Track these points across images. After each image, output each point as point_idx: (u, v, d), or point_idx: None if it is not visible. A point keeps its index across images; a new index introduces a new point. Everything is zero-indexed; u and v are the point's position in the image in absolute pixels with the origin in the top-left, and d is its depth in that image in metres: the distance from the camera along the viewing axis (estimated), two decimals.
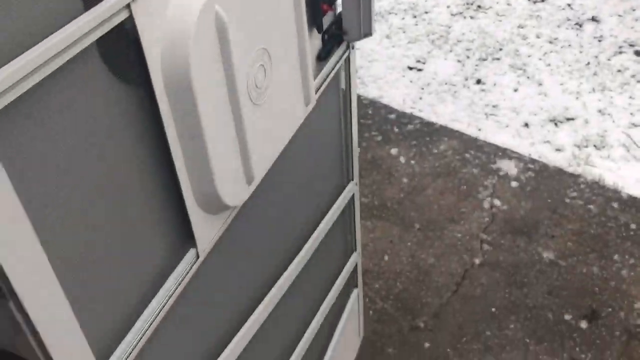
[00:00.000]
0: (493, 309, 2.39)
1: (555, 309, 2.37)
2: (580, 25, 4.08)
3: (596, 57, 3.77)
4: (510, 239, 2.65)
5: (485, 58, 3.87)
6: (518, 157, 3.08)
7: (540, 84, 3.62)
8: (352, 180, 1.73)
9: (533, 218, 2.74)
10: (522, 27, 4.13)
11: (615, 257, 2.54)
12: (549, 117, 3.36)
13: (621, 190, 2.85)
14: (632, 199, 2.79)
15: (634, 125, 3.26)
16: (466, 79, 3.71)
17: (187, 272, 1.00)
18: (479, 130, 3.28)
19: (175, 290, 0.98)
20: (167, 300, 0.96)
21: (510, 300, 2.42)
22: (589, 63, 3.73)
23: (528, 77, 3.69)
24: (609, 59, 3.74)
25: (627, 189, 2.86)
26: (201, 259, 1.03)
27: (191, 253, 1.01)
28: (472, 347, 2.27)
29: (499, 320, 2.35)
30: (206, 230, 1.02)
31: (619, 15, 4.12)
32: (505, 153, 3.10)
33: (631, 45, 3.83)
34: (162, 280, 0.97)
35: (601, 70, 3.67)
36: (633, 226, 2.66)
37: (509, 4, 4.37)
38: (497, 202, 2.83)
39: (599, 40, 3.92)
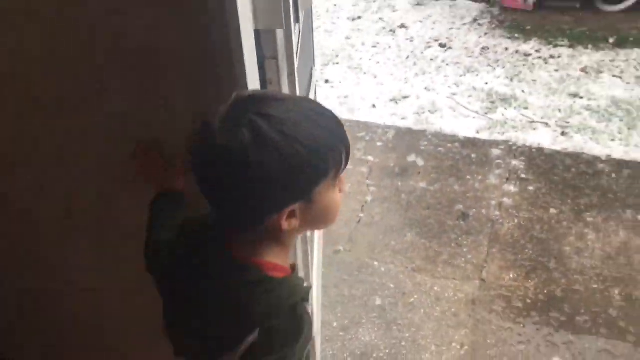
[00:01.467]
0: (391, 227, 2.95)
1: (436, 218, 3.00)
2: (394, 32, 5.02)
3: (412, 52, 4.68)
4: (388, 180, 3.27)
5: (327, 64, 4.58)
6: (376, 127, 3.75)
7: (375, 77, 4.41)
8: None
9: (400, 164, 3.40)
10: (349, 38, 4.96)
11: (467, 177, 3.27)
12: (389, 98, 4.12)
13: (457, 135, 3.65)
14: (467, 139, 3.60)
15: (453, 94, 4.15)
16: (317, 81, 4.37)
17: None
18: (339, 113, 3.92)
19: None
20: None
21: (402, 219, 3.00)
22: (408, 57, 4.63)
23: (365, 73, 4.46)
24: (422, 52, 4.67)
25: (462, 133, 3.67)
26: None
27: None
28: (383, 254, 2.80)
29: (398, 233, 2.92)
30: None
31: (420, 21, 5.14)
32: (366, 125, 3.76)
33: (435, 41, 4.82)
34: None
35: (419, 60, 4.57)
36: (473, 156, 3.44)
37: (333, 23, 5.20)
38: (370, 158, 3.45)
39: (411, 41, 4.86)
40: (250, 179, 0.82)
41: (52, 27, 1.02)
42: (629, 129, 3.67)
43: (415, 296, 2.59)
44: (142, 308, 1.24)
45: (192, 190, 0.93)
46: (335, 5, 5.56)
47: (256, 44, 0.95)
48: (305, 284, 0.96)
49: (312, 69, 2.15)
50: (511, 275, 2.67)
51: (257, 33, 0.96)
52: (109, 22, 0.98)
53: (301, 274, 1.57)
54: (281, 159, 0.81)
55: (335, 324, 2.48)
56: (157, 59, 1.00)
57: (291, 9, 0.93)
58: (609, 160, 3.37)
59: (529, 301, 2.54)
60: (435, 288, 2.63)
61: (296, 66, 1.06)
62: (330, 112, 0.89)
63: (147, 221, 1.13)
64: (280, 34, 0.99)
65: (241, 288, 0.91)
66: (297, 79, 1.13)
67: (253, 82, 0.97)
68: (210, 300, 0.94)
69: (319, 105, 0.90)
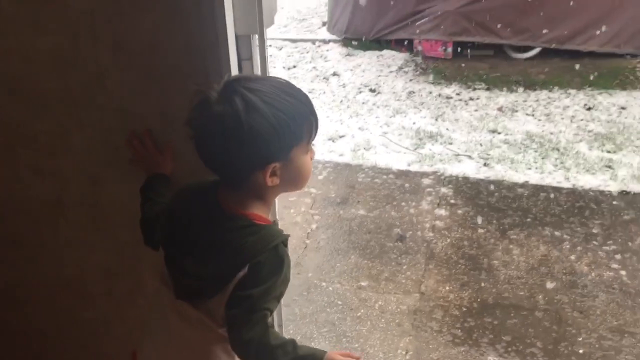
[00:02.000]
0: (336, 250, 3.16)
1: (377, 241, 3.23)
2: (327, 79, 5.37)
3: (345, 96, 5.02)
4: (330, 209, 3.49)
5: None
6: (317, 162, 4.00)
7: None
8: None
9: (341, 195, 3.65)
10: None
11: (402, 203, 3.55)
12: (327, 137, 4.40)
13: (391, 167, 3.95)
14: (400, 171, 3.90)
15: (385, 132, 4.48)
16: None
17: None
18: None
19: None
20: None
21: (346, 243, 3.22)
22: (342, 101, 4.96)
23: None
24: (354, 97, 5.02)
25: (395, 166, 3.97)
26: None
27: None
28: (330, 275, 2.99)
29: (342, 255, 3.12)
30: None
31: (351, 70, 5.53)
32: None
33: (366, 86, 5.20)
34: None
35: (352, 104, 4.91)
36: (406, 185, 3.74)
37: (269, 72, 5.49)
38: (313, 190, 3.68)
39: (343, 87, 5.22)
40: (241, 139, 1.04)
41: (60, 33, 1.21)
42: (542, 158, 4.08)
43: (362, 310, 2.77)
44: (127, 288, 1.40)
45: (179, 173, 1.11)
46: (271, 55, 5.88)
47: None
48: (284, 232, 1.17)
49: None
50: (447, 288, 2.91)
51: (235, 38, 1.19)
52: (112, 25, 1.18)
53: None
54: (266, 122, 1.03)
55: None
56: (156, 57, 1.20)
57: (264, 19, 1.16)
58: (527, 185, 3.74)
59: (464, 309, 2.78)
60: (380, 302, 2.83)
61: (267, 67, 1.28)
62: (302, 91, 1.13)
63: (141, 200, 1.31)
64: (255, 39, 1.22)
65: (233, 232, 1.11)
66: None
67: None
68: (207, 245, 1.13)
69: (294, 85, 1.13)
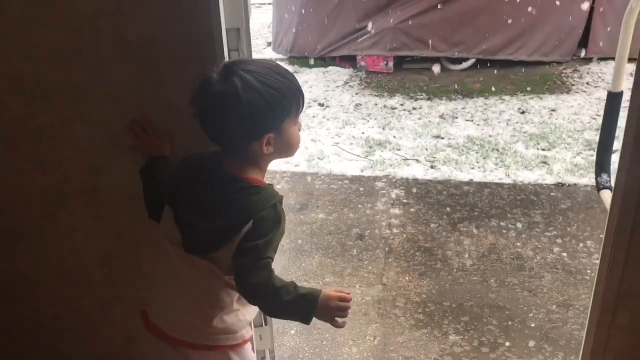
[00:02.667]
0: (300, 252, 3.30)
1: (338, 241, 3.40)
2: None
3: None
4: (292, 215, 3.64)
5: None
6: (274, 173, 4.15)
7: None
8: None
9: (300, 201, 3.80)
10: None
11: (359, 206, 3.74)
12: None
13: (345, 174, 4.14)
14: (354, 177, 4.10)
15: (336, 143, 4.68)
16: None
17: None
18: None
19: None
20: None
21: (309, 245, 3.37)
22: None
23: None
24: (304, 111, 5.19)
25: (349, 173, 4.16)
26: None
27: None
28: (297, 274, 3.12)
29: (307, 256, 3.27)
30: None
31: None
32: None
33: (314, 101, 5.41)
34: None
35: (302, 118, 5.08)
36: (361, 189, 3.93)
37: None
38: None
39: None
40: (240, 113, 1.21)
41: (63, 31, 1.34)
42: (483, 158, 4.37)
43: None
44: (125, 271, 1.51)
45: (177, 153, 1.25)
46: None
47: None
48: (279, 193, 1.34)
49: None
50: (407, 278, 3.10)
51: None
52: (113, 22, 1.31)
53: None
54: (261, 99, 1.21)
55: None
56: (154, 49, 1.34)
57: (249, 14, 1.32)
58: (472, 183, 4.00)
59: (424, 296, 2.97)
60: None
61: (252, 57, 1.44)
62: (290, 71, 1.30)
63: (143, 179, 1.45)
64: (242, 32, 1.38)
65: (238, 193, 1.28)
66: None
67: None
68: (216, 204, 1.29)
69: (282, 67, 1.31)
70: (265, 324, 2.07)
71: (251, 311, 1.52)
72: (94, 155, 1.49)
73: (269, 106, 1.22)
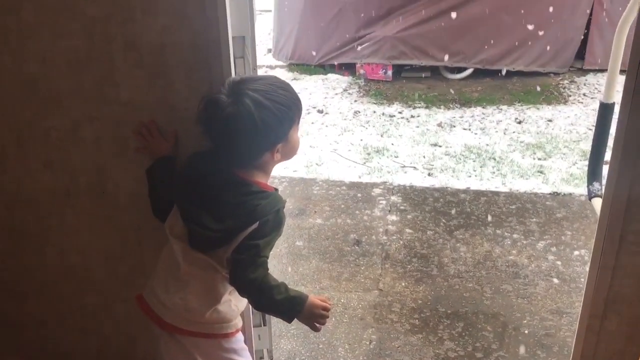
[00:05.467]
0: (298, 256, 3.34)
1: (335, 246, 3.44)
2: None
3: None
4: (290, 220, 3.68)
5: None
6: (272, 178, 4.19)
7: None
8: None
9: (298, 207, 3.85)
10: None
11: (356, 212, 3.78)
12: None
13: (343, 180, 4.19)
14: (352, 183, 4.15)
15: (335, 149, 4.73)
16: None
17: None
18: None
19: None
20: None
21: (306, 250, 3.41)
22: None
23: None
24: (303, 118, 5.24)
25: (347, 179, 4.21)
26: None
27: None
28: (294, 278, 3.16)
29: (304, 260, 3.31)
30: None
31: (299, 92, 5.77)
32: None
33: (314, 108, 5.47)
34: None
35: (302, 124, 5.14)
36: (359, 195, 3.98)
37: None
38: None
39: None
40: (255, 131, 1.29)
41: (76, 37, 1.39)
42: (480, 167, 4.43)
43: None
44: (128, 270, 1.56)
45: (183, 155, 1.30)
46: None
47: None
48: (283, 198, 1.41)
49: None
50: (403, 284, 3.14)
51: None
52: (125, 29, 1.37)
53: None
54: (273, 116, 1.29)
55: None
56: (163, 55, 1.39)
57: (254, 22, 1.38)
58: (468, 191, 4.05)
59: (419, 301, 3.01)
60: (342, 300, 3.03)
61: (256, 64, 1.50)
62: (289, 83, 1.37)
63: (149, 180, 1.51)
64: (247, 40, 1.43)
65: (248, 196, 1.35)
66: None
67: (230, 73, 1.40)
68: (226, 205, 1.35)
69: (282, 80, 1.37)
70: (264, 324, 2.11)
71: (244, 301, 1.61)
72: (102, 157, 1.54)
73: (279, 121, 1.32)
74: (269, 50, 6.98)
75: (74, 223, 1.62)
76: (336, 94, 5.82)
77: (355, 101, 5.69)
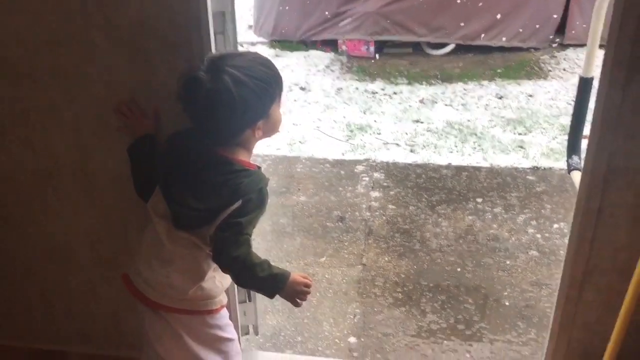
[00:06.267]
0: (282, 234, 3.36)
1: (319, 223, 3.46)
2: None
3: None
4: (274, 198, 3.69)
5: None
6: (255, 156, 4.18)
7: None
8: None
9: (282, 184, 3.86)
10: None
11: (340, 189, 3.80)
12: None
13: (327, 157, 4.20)
14: (335, 160, 4.16)
15: (318, 127, 4.73)
16: None
17: None
18: None
19: None
20: None
21: (291, 227, 3.43)
22: None
23: None
24: (285, 95, 5.23)
25: (330, 156, 4.22)
26: None
27: None
28: (279, 255, 3.19)
29: (289, 238, 3.33)
30: None
31: (280, 70, 5.73)
32: None
33: (296, 85, 5.44)
34: None
35: (284, 102, 5.12)
36: (342, 172, 4.00)
37: None
38: None
39: None
40: (234, 108, 1.28)
41: (54, 16, 1.37)
42: (462, 142, 4.46)
43: None
44: (112, 251, 1.56)
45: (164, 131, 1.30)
46: None
47: None
48: (266, 177, 1.41)
49: None
50: (386, 259, 3.18)
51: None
52: (103, 7, 1.35)
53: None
54: (252, 92, 1.28)
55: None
56: (143, 33, 1.38)
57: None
58: (450, 167, 4.09)
59: (402, 276, 3.06)
60: (326, 275, 3.06)
61: (237, 40, 1.49)
62: (268, 59, 1.37)
63: (131, 159, 1.50)
64: (227, 15, 1.42)
65: (230, 174, 1.35)
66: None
67: (210, 49, 1.39)
68: (208, 184, 1.35)
69: (262, 55, 1.37)
70: (250, 300, 2.13)
71: (228, 278, 1.62)
72: (83, 137, 1.53)
73: (259, 97, 1.31)
74: (250, 27, 6.90)
75: (56, 204, 1.61)
76: (318, 70, 5.79)
77: (338, 78, 5.66)
